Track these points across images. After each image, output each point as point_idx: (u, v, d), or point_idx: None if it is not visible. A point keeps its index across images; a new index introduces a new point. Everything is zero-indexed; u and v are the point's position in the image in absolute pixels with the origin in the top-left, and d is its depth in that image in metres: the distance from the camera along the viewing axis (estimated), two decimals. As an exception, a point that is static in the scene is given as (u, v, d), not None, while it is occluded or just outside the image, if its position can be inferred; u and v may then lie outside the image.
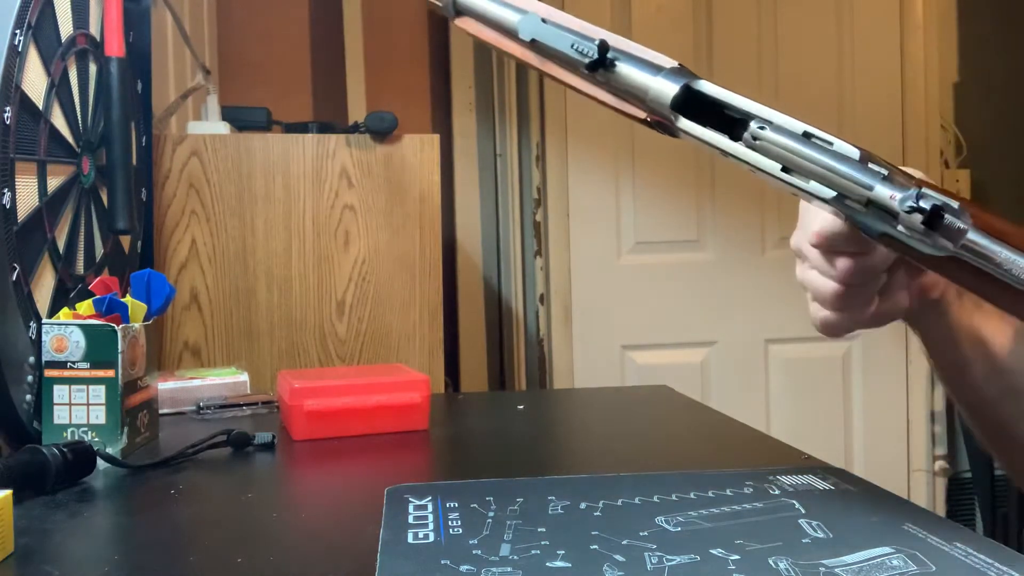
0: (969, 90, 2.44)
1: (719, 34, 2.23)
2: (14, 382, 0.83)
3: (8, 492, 0.59)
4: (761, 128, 0.50)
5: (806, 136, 0.49)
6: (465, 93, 2.21)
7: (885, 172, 0.47)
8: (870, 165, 0.47)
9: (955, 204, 0.46)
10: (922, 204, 0.45)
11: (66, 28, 0.98)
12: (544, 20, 0.55)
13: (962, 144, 2.40)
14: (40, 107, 0.91)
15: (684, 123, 0.51)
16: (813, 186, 0.48)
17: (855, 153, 0.48)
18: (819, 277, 0.58)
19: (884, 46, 2.28)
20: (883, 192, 0.47)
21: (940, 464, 2.31)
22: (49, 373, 0.83)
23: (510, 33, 0.57)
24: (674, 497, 0.64)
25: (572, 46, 0.54)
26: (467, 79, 2.21)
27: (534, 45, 0.56)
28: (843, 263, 0.56)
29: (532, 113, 2.18)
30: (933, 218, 0.45)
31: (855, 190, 0.47)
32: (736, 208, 2.22)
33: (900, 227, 0.46)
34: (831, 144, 0.48)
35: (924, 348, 0.69)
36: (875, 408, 2.29)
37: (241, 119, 1.52)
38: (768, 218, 2.23)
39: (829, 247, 0.55)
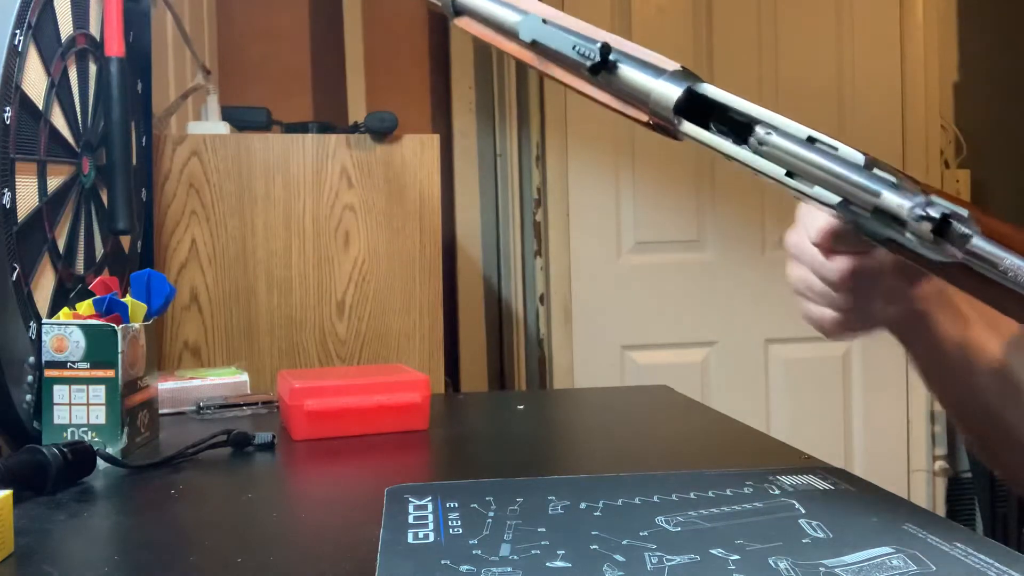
0: (969, 90, 2.44)
1: (719, 34, 2.23)
2: (14, 382, 0.83)
3: (8, 492, 0.59)
4: (768, 134, 0.50)
5: (811, 141, 0.49)
6: (465, 93, 2.21)
7: (893, 179, 0.47)
8: (875, 171, 0.47)
9: (964, 212, 0.46)
10: (931, 212, 0.45)
11: (66, 28, 0.98)
12: (545, 21, 0.55)
13: (962, 144, 2.40)
14: (40, 107, 0.91)
15: (687, 127, 0.51)
16: (817, 191, 0.48)
17: (860, 159, 0.48)
18: (814, 276, 0.58)
19: (884, 46, 2.28)
20: (891, 200, 0.46)
21: (940, 464, 2.31)
22: (49, 373, 0.83)
23: (510, 34, 0.57)
24: (674, 497, 0.64)
25: (574, 48, 0.53)
26: (467, 79, 2.21)
27: (535, 46, 0.55)
28: (842, 261, 0.55)
29: (532, 113, 2.18)
30: (943, 226, 0.45)
31: (862, 197, 0.47)
32: (736, 208, 2.22)
33: (908, 234, 0.46)
34: (836, 149, 0.48)
35: (912, 360, 0.69)
36: (875, 408, 2.29)
37: (241, 119, 1.52)
38: (768, 218, 2.23)
39: (830, 246, 0.55)
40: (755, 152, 0.50)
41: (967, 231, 0.45)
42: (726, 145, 0.50)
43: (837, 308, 0.59)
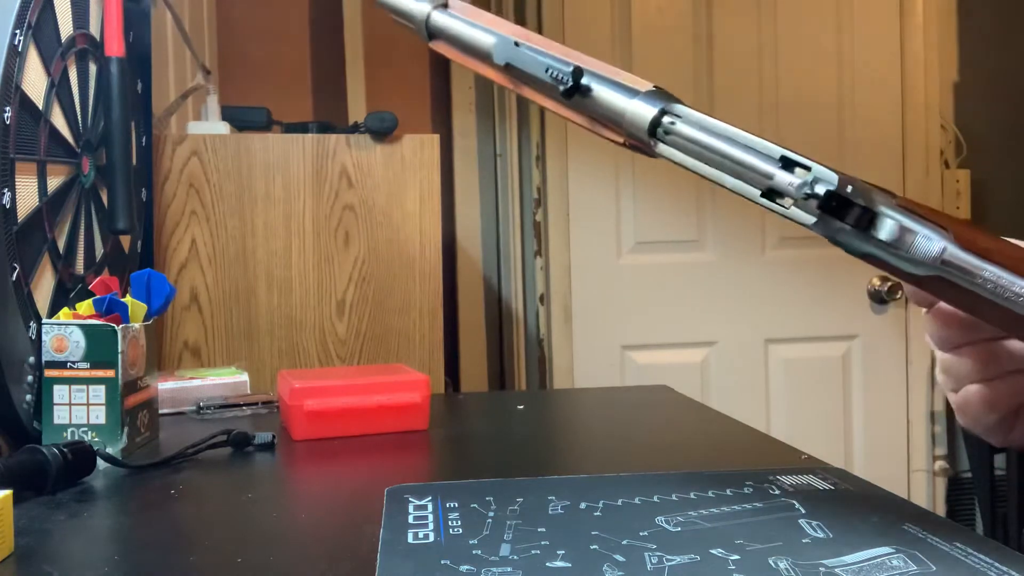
0: (969, 90, 2.44)
1: (719, 36, 2.23)
2: (14, 382, 0.83)
3: (8, 492, 0.59)
4: (672, 123, 0.49)
5: (721, 134, 0.48)
6: (465, 93, 2.21)
7: (809, 169, 0.46)
8: (793, 158, 0.47)
9: (836, 179, 0.45)
10: (816, 189, 0.45)
11: (66, 28, 0.98)
12: (517, 44, 0.55)
13: (962, 144, 2.40)
14: (40, 107, 0.91)
15: (662, 148, 0.51)
16: (794, 212, 0.47)
17: (776, 152, 0.47)
18: (939, 351, 0.53)
19: (884, 46, 2.28)
20: (782, 179, 0.46)
21: (940, 464, 2.31)
22: (49, 373, 0.83)
23: (484, 57, 0.56)
24: (674, 497, 0.64)
25: (547, 71, 0.53)
26: (467, 79, 2.21)
27: (508, 69, 0.55)
28: (945, 311, 0.51)
29: (532, 113, 2.18)
30: (829, 203, 0.45)
31: (758, 179, 0.47)
32: (736, 208, 2.22)
33: (787, 203, 0.46)
34: (808, 169, 0.47)
35: None
36: (875, 408, 2.29)
37: (241, 119, 1.52)
38: (768, 218, 2.22)
39: (924, 299, 0.51)
40: (662, 141, 0.50)
41: (868, 206, 0.45)
42: (701, 166, 0.50)
43: (972, 378, 0.53)
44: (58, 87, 0.95)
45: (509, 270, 2.20)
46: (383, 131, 1.45)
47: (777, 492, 0.65)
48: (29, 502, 0.70)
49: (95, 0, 1.05)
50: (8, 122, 0.84)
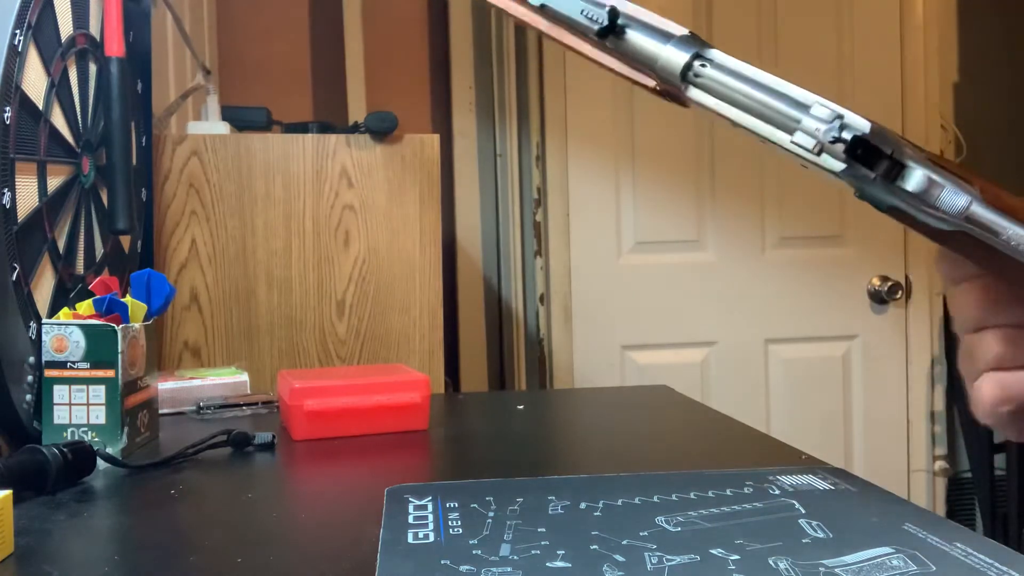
0: (969, 90, 2.44)
1: (719, 34, 2.23)
2: (14, 382, 0.83)
3: (8, 492, 0.59)
4: (703, 66, 0.50)
5: (752, 80, 0.49)
6: (465, 93, 2.21)
7: (840, 116, 0.47)
8: (821, 108, 0.47)
9: (869, 127, 0.45)
10: (844, 135, 0.45)
11: (66, 28, 0.98)
12: None
13: (962, 144, 2.40)
14: (40, 107, 0.91)
15: (694, 93, 0.51)
16: (824, 158, 0.47)
17: (809, 98, 0.48)
18: (962, 334, 0.50)
19: (884, 46, 2.28)
20: (810, 124, 0.47)
21: (940, 464, 2.31)
22: (49, 373, 0.83)
23: None
24: (674, 497, 0.64)
25: (582, 12, 0.53)
26: (467, 79, 2.21)
27: (543, 10, 0.56)
28: (970, 287, 0.49)
29: (532, 113, 2.18)
30: (855, 149, 0.45)
31: (788, 124, 0.48)
32: (736, 208, 2.22)
33: (816, 153, 0.46)
34: (840, 118, 0.48)
35: None
36: (875, 408, 2.29)
37: (241, 119, 1.52)
38: (768, 218, 2.22)
39: (947, 265, 0.49)
40: (692, 85, 0.50)
41: (896, 155, 0.45)
42: (731, 111, 0.50)
43: (991, 364, 0.49)
44: (58, 87, 0.95)
45: (509, 270, 2.20)
46: (383, 131, 1.45)
47: (777, 492, 0.65)
48: (29, 502, 0.70)
49: (95, 0, 1.05)
50: (8, 122, 0.84)
